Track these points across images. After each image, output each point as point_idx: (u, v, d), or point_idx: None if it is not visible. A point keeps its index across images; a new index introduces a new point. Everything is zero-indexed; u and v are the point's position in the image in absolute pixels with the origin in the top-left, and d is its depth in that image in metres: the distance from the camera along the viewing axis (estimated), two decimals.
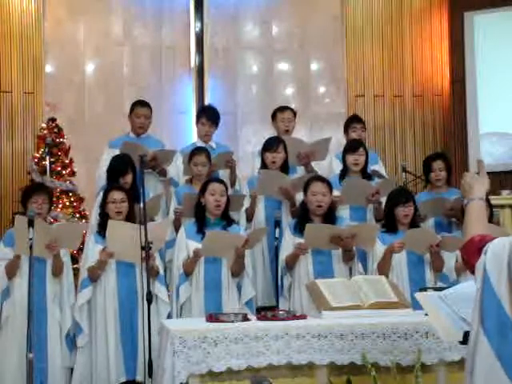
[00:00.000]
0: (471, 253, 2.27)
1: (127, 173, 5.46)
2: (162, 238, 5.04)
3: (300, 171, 6.06)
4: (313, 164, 6.07)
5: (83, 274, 4.99)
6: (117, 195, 5.01)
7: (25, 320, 4.79)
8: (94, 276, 4.90)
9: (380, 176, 6.05)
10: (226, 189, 5.14)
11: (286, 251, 5.06)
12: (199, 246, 4.89)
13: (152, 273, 4.66)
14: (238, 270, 4.95)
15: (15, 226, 4.77)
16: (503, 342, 2.01)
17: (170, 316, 4.97)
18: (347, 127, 6.50)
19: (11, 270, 4.91)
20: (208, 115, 6.28)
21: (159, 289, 4.96)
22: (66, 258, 5.08)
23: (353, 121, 6.53)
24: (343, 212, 5.61)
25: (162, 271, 5.06)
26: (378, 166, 6.37)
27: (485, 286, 2.08)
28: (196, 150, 5.78)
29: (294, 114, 6.43)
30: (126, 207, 5.00)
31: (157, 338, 4.31)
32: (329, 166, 6.25)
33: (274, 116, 6.42)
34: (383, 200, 5.50)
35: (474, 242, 2.28)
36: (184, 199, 5.50)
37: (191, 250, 4.92)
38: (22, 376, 4.76)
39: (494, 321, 2.03)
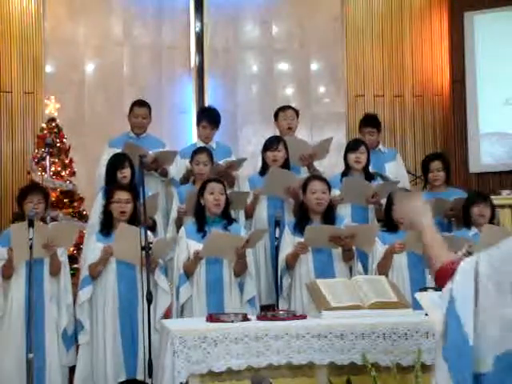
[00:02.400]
0: (443, 278, 2.28)
1: (125, 166, 5.49)
2: (165, 254, 5.13)
3: (303, 171, 6.06)
4: (315, 163, 6.07)
5: (84, 273, 5.00)
6: (122, 195, 5.02)
7: (22, 320, 4.82)
8: (95, 273, 4.91)
9: (383, 178, 6.01)
10: (225, 188, 5.15)
11: (285, 251, 5.07)
12: (200, 245, 4.89)
13: (151, 267, 4.68)
14: (239, 270, 4.95)
15: (12, 235, 4.80)
16: (459, 365, 2.04)
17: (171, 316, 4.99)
18: (359, 129, 6.52)
19: (7, 272, 4.92)
20: (209, 118, 6.28)
21: (159, 277, 4.97)
22: (63, 258, 5.10)
23: (362, 125, 6.50)
24: (344, 210, 5.61)
25: (161, 262, 5.07)
26: (394, 163, 6.33)
27: (449, 309, 2.09)
28: (197, 150, 5.83)
29: (297, 113, 6.43)
30: (131, 208, 5.01)
31: (156, 332, 4.34)
32: (331, 165, 6.24)
33: (276, 115, 6.42)
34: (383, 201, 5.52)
35: (446, 270, 2.30)
36: (187, 198, 5.51)
37: (192, 250, 4.92)
38: (18, 376, 4.77)
39: (453, 344, 2.06)
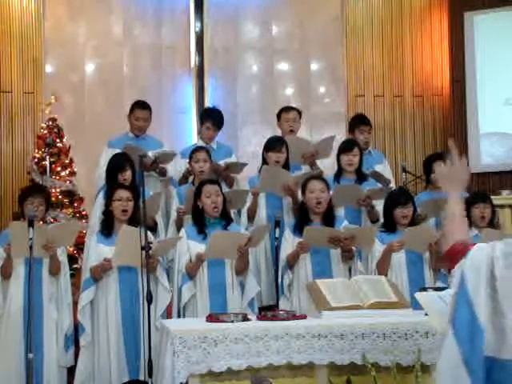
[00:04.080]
0: (453, 256, 2.27)
1: (126, 169, 5.47)
2: (166, 253, 5.16)
3: (304, 170, 6.06)
4: (317, 162, 6.07)
5: (85, 275, 4.99)
6: (123, 193, 5.01)
7: (20, 320, 4.82)
8: (97, 276, 4.90)
9: (379, 177, 6.02)
10: (220, 188, 5.15)
11: (286, 251, 5.07)
12: (201, 246, 4.89)
13: (152, 266, 4.69)
14: (242, 268, 4.95)
15: (10, 231, 4.80)
16: (472, 349, 2.03)
17: (171, 315, 4.99)
18: (353, 127, 6.49)
19: (5, 271, 4.92)
20: (213, 120, 6.27)
21: (161, 273, 4.97)
22: (62, 258, 5.09)
23: (360, 123, 6.47)
24: (338, 212, 5.59)
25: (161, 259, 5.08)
26: (382, 166, 6.36)
27: (460, 291, 2.08)
28: (195, 149, 5.86)
29: (299, 114, 6.43)
30: (132, 206, 5.01)
31: (157, 331, 4.37)
32: (332, 165, 6.24)
33: (279, 116, 6.42)
34: (379, 202, 5.54)
35: (456, 249, 2.28)
36: (186, 197, 5.51)
37: (193, 252, 4.92)
38: (17, 376, 4.77)
39: (465, 328, 2.05)
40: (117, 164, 5.53)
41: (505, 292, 2.03)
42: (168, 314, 5.06)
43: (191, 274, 4.92)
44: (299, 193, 5.48)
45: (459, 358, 2.02)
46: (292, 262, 5.04)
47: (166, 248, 5.07)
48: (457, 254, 2.25)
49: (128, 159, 5.55)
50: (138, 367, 4.80)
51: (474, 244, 2.24)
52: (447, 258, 2.33)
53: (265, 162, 5.83)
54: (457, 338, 2.04)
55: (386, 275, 4.80)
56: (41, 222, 5.08)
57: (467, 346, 2.03)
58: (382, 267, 4.98)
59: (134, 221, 4.97)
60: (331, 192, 5.44)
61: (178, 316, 4.94)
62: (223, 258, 4.92)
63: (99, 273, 4.88)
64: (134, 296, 4.89)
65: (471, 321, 2.03)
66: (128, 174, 5.47)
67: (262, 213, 5.71)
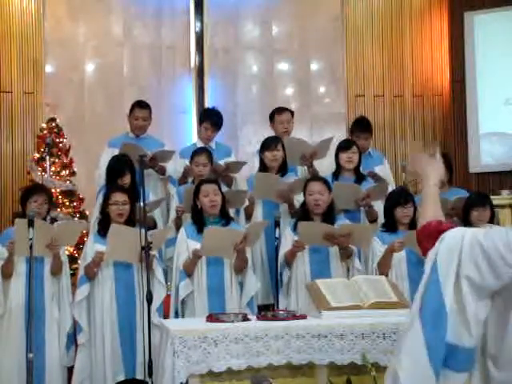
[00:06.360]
0: (426, 236, 2.26)
1: (125, 174, 5.47)
2: (159, 245, 5.14)
3: (300, 171, 6.06)
4: (315, 163, 6.06)
5: (80, 272, 5.00)
6: (119, 197, 5.00)
7: (22, 320, 4.82)
8: (90, 274, 4.91)
9: (377, 178, 6.01)
10: (219, 187, 5.14)
11: (285, 248, 5.08)
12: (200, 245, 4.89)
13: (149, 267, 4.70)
14: (240, 266, 4.95)
15: (15, 228, 4.79)
16: (434, 332, 2.04)
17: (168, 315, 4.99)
18: (352, 132, 6.48)
19: (6, 271, 4.91)
20: (212, 121, 6.27)
21: (156, 267, 4.97)
22: (63, 257, 5.10)
23: (357, 130, 6.43)
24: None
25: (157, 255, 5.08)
26: (382, 167, 6.34)
27: (432, 274, 2.09)
28: (197, 151, 5.82)
29: (292, 114, 6.42)
30: (128, 209, 5.00)
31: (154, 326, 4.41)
32: (330, 165, 6.24)
33: (271, 117, 6.41)
34: (377, 203, 5.53)
35: (430, 225, 2.28)
36: (184, 196, 5.51)
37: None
38: (18, 375, 4.77)
39: (430, 310, 2.06)
40: (116, 168, 5.51)
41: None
42: (165, 313, 5.07)
43: (189, 271, 4.92)
44: (295, 198, 5.49)
45: (422, 342, 2.03)
46: (290, 260, 5.05)
47: (158, 241, 5.04)
48: (430, 232, 2.24)
49: (127, 162, 5.53)
50: (133, 366, 4.81)
51: (450, 224, 2.24)
52: (420, 237, 2.31)
53: (262, 163, 5.83)
54: (422, 322, 2.05)
55: (387, 275, 4.80)
56: (44, 221, 5.07)
57: (430, 329, 2.03)
58: (384, 267, 4.98)
59: (131, 222, 4.97)
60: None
61: (176, 315, 4.94)
62: (219, 255, 4.91)
63: (92, 269, 4.88)
64: (129, 293, 4.89)
65: (438, 305, 2.05)
66: (127, 178, 5.47)
67: (258, 214, 5.72)
